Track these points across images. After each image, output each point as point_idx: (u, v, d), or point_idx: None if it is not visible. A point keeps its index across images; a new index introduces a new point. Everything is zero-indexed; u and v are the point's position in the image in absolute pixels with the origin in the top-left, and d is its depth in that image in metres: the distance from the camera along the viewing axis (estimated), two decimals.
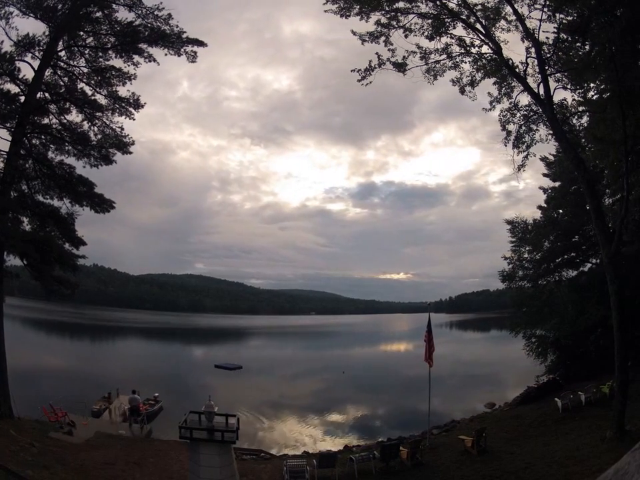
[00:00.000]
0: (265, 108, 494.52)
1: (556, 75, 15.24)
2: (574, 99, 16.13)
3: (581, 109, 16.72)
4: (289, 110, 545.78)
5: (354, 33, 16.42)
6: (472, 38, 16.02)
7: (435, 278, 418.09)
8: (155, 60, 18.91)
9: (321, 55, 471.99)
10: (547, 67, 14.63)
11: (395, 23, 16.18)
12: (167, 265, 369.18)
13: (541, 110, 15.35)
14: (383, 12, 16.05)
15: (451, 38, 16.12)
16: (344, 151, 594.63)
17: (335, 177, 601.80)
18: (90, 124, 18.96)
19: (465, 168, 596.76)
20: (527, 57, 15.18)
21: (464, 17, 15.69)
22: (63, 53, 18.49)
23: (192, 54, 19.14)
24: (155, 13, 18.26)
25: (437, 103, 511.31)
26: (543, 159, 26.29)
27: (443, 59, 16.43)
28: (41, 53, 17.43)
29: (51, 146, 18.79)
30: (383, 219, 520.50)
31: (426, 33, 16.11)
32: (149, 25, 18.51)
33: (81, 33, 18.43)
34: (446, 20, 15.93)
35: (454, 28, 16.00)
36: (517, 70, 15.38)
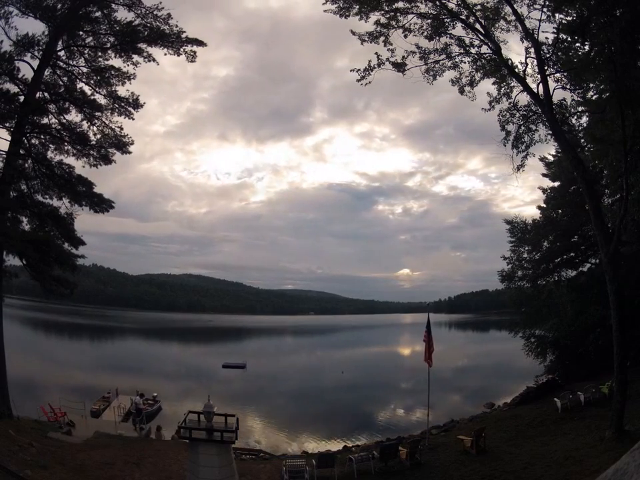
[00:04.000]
0: (176, 128, 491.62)
1: (555, 75, 15.22)
2: (573, 99, 16.09)
3: (580, 109, 16.72)
4: (195, 124, 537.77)
5: (353, 33, 16.40)
6: (471, 38, 16.00)
7: (413, 280, 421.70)
8: (154, 60, 18.96)
9: (205, 73, 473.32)
10: (546, 67, 14.60)
11: (394, 23, 16.15)
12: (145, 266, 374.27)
13: (540, 110, 15.30)
14: (383, 12, 16.01)
15: (450, 38, 16.10)
16: (259, 156, 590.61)
17: (262, 183, 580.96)
18: (89, 124, 18.98)
19: (385, 169, 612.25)
20: (526, 57, 15.16)
21: (463, 17, 15.65)
22: (62, 53, 18.53)
23: (191, 54, 19.18)
24: (155, 12, 18.30)
25: (331, 104, 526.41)
26: (542, 159, 26.34)
27: (442, 59, 16.40)
28: (41, 52, 17.43)
29: (50, 146, 18.78)
30: (329, 221, 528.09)
31: (425, 33, 16.07)
32: (149, 25, 18.52)
33: (81, 33, 18.44)
34: (445, 20, 15.91)
35: (453, 28, 15.98)
36: (516, 70, 15.35)
